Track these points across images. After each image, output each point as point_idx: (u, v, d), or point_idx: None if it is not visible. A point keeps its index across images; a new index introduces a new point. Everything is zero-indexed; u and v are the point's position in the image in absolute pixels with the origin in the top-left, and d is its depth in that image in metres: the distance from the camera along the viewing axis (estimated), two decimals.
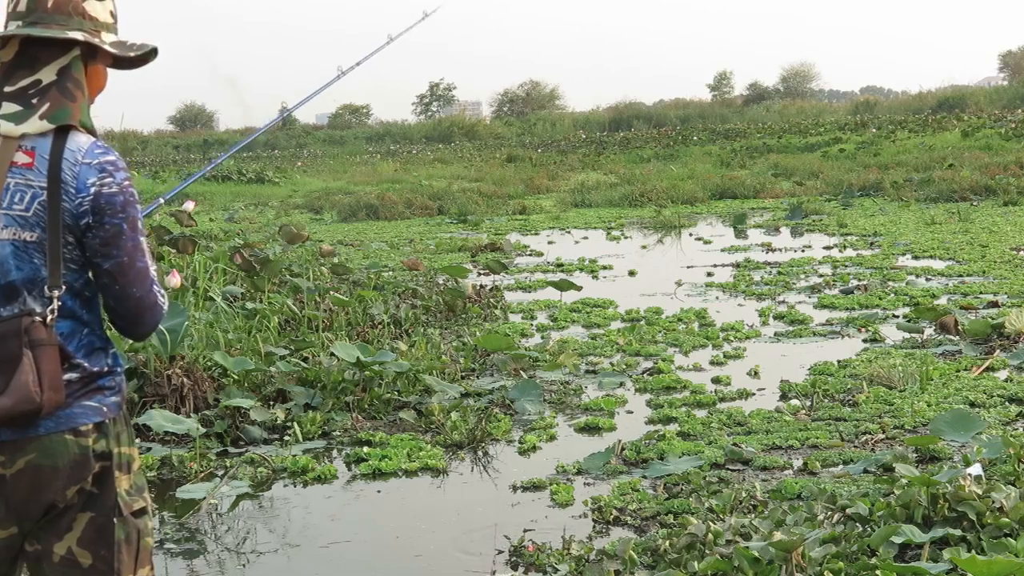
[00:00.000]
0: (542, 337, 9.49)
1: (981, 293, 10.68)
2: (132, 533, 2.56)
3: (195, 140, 61.56)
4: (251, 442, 6.59)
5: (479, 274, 13.28)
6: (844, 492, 4.94)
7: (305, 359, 7.87)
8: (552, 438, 6.59)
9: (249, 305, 9.17)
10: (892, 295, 10.80)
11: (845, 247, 15.15)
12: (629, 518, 5.12)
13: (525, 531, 4.98)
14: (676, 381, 7.70)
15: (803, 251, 15.03)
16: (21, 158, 2.47)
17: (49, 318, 2.44)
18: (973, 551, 3.86)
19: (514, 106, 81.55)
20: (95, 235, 2.47)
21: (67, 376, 2.47)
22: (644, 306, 10.74)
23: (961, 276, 11.92)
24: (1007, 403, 6.75)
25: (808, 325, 9.60)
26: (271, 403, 7.15)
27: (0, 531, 2.49)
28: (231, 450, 6.47)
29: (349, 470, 6.14)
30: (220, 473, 6.06)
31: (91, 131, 2.54)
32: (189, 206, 12.00)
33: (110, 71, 2.70)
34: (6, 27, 2.54)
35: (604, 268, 14.10)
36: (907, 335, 8.87)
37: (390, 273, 12.98)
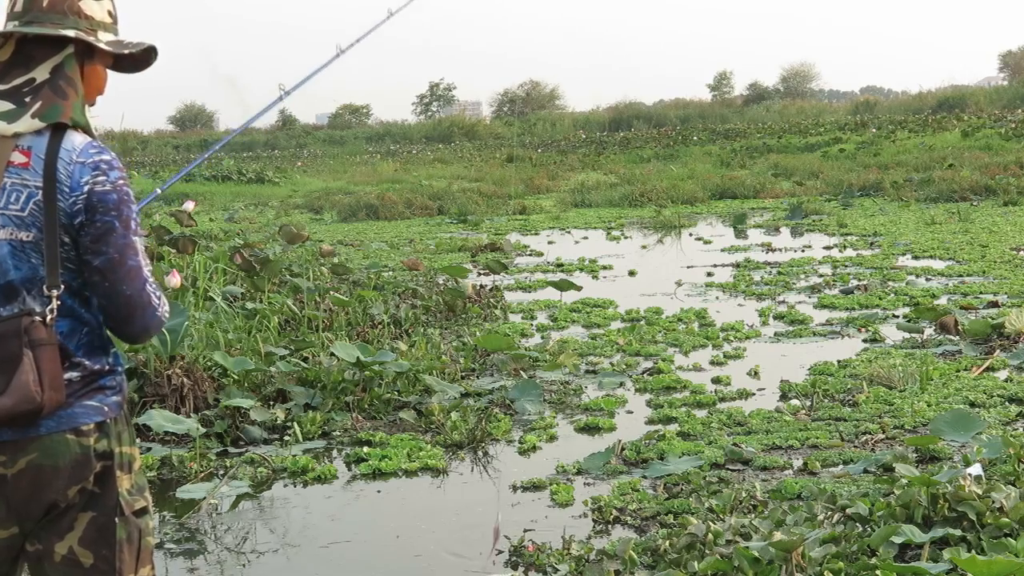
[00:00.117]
0: (542, 337, 9.49)
1: (981, 293, 10.69)
2: (133, 532, 2.56)
3: (195, 140, 61.54)
4: (251, 442, 6.59)
5: (479, 274, 13.28)
6: (844, 492, 4.94)
7: (305, 359, 7.87)
8: (552, 438, 6.59)
9: (249, 305, 9.18)
10: (892, 295, 10.81)
11: (845, 247, 15.16)
12: (629, 518, 5.12)
13: (525, 531, 4.98)
14: (676, 381, 7.70)
15: (803, 251, 15.03)
16: (17, 158, 2.47)
17: (48, 318, 2.44)
18: (973, 551, 3.87)
19: (514, 106, 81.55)
20: (87, 232, 2.47)
21: (68, 375, 2.48)
22: (644, 306, 10.74)
23: (961, 276, 11.92)
24: (1007, 403, 6.75)
25: (808, 325, 9.60)
26: (271, 403, 7.15)
27: (1, 531, 2.49)
28: (231, 450, 6.47)
29: (349, 470, 6.14)
30: (220, 473, 6.06)
31: (86, 130, 2.54)
32: (189, 206, 12.01)
33: (114, 74, 2.70)
34: (4, 27, 2.54)
35: (604, 268, 14.10)
36: (907, 335, 8.87)
37: (390, 273, 12.98)
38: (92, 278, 2.50)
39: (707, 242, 16.65)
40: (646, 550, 4.48)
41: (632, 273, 13.56)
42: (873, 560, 3.87)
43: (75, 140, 2.50)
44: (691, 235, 17.90)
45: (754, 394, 7.42)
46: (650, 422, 6.84)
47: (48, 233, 2.44)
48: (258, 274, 10.20)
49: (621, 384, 7.77)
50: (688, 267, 13.86)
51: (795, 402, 7.03)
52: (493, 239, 17.20)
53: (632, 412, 7.14)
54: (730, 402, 7.24)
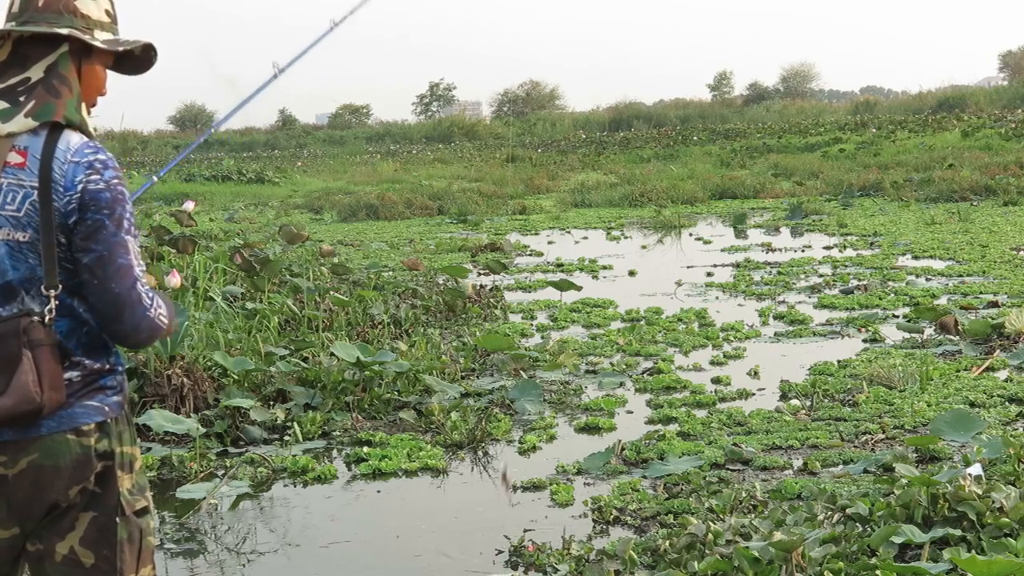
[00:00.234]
0: (542, 337, 9.49)
1: (981, 293, 10.68)
2: (134, 532, 2.56)
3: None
4: (251, 442, 6.59)
5: (479, 274, 13.28)
6: (844, 492, 4.94)
7: (305, 359, 7.87)
8: (552, 438, 6.59)
9: (249, 305, 9.18)
10: (892, 295, 10.80)
11: (845, 247, 15.15)
12: (629, 518, 5.12)
13: (525, 531, 4.98)
14: (676, 381, 7.70)
15: (803, 251, 15.03)
16: (14, 158, 2.47)
17: (47, 318, 2.44)
18: (973, 551, 3.87)
19: (514, 106, 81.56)
20: (79, 230, 2.46)
21: (68, 375, 2.48)
22: (644, 306, 10.74)
23: (961, 276, 11.92)
24: (1007, 403, 6.75)
25: (808, 325, 9.60)
26: (271, 403, 7.15)
27: (2, 531, 2.49)
28: (231, 450, 6.47)
29: (349, 470, 6.14)
30: (220, 473, 6.06)
31: (81, 129, 2.53)
32: (189, 206, 12.02)
33: (114, 74, 2.70)
34: (1, 28, 2.55)
35: (604, 268, 14.10)
36: (907, 335, 8.87)
37: (390, 273, 12.98)
38: (83, 276, 2.48)
39: (707, 242, 16.65)
40: (646, 550, 4.48)
41: (632, 273, 13.56)
42: (873, 560, 3.87)
43: (71, 140, 2.50)
44: (691, 235, 17.90)
45: (754, 394, 7.42)
46: (650, 422, 6.84)
47: (44, 233, 2.44)
48: (258, 274, 10.20)
49: (621, 384, 7.77)
50: (688, 267, 13.86)
51: (795, 402, 7.03)
52: (493, 239, 17.20)
53: (632, 412, 7.14)
54: (730, 402, 7.24)
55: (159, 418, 6.42)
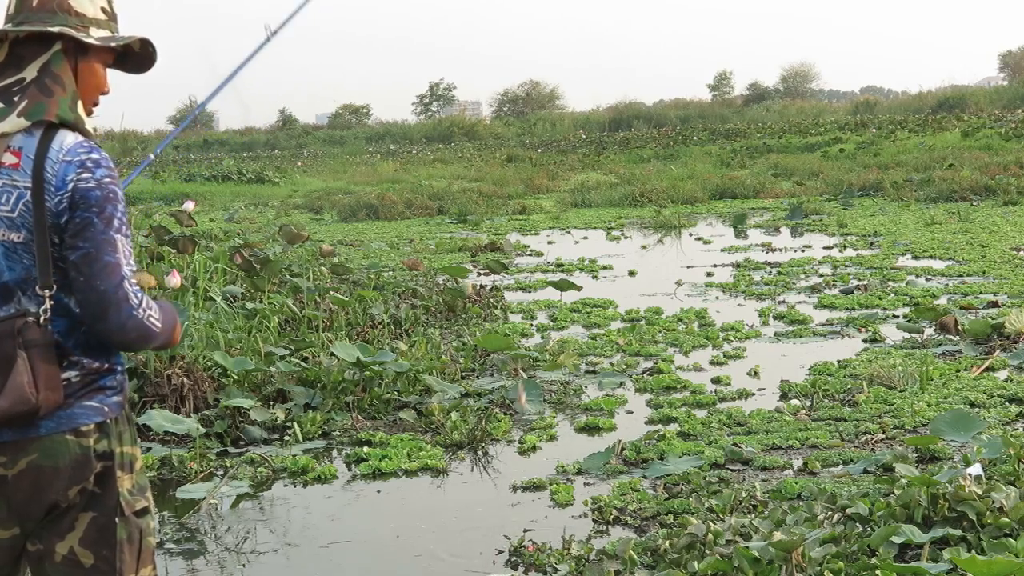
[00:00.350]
0: (542, 337, 9.49)
1: (981, 293, 10.68)
2: (134, 533, 2.56)
3: (195, 140, 61.59)
4: (251, 442, 6.59)
5: (479, 274, 13.28)
6: (844, 492, 4.94)
7: (305, 359, 7.87)
8: (552, 438, 6.59)
9: (249, 305, 9.18)
10: (892, 295, 10.80)
11: (845, 247, 15.15)
12: (629, 518, 5.12)
13: (525, 531, 4.98)
14: (676, 381, 7.70)
15: (803, 251, 15.03)
16: (8, 158, 2.47)
17: (43, 318, 2.44)
18: (973, 551, 3.87)
19: (514, 106, 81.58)
20: (68, 229, 2.45)
21: (66, 374, 2.48)
22: (644, 306, 10.74)
23: (961, 276, 11.92)
24: (1007, 403, 6.75)
25: (808, 325, 9.60)
26: (271, 403, 7.15)
27: (3, 531, 2.50)
28: (231, 450, 6.47)
29: (349, 470, 6.14)
30: (220, 473, 6.06)
31: (77, 127, 2.52)
32: (189, 206, 12.02)
33: (115, 74, 2.69)
34: None
35: (604, 268, 14.10)
36: (907, 335, 8.87)
37: (390, 273, 12.98)
38: (71, 274, 2.47)
39: (707, 242, 16.65)
40: (646, 550, 4.48)
41: (632, 273, 13.56)
42: (873, 560, 3.87)
43: (65, 140, 2.49)
44: (691, 235, 17.90)
45: (754, 394, 7.42)
46: (650, 422, 6.84)
47: (38, 234, 2.44)
48: (258, 274, 10.20)
49: (621, 384, 7.77)
50: (688, 267, 13.86)
51: (795, 402, 7.03)
52: (493, 239, 17.20)
53: (632, 412, 7.14)
54: (730, 402, 7.23)
55: (159, 418, 6.42)
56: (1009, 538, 3.96)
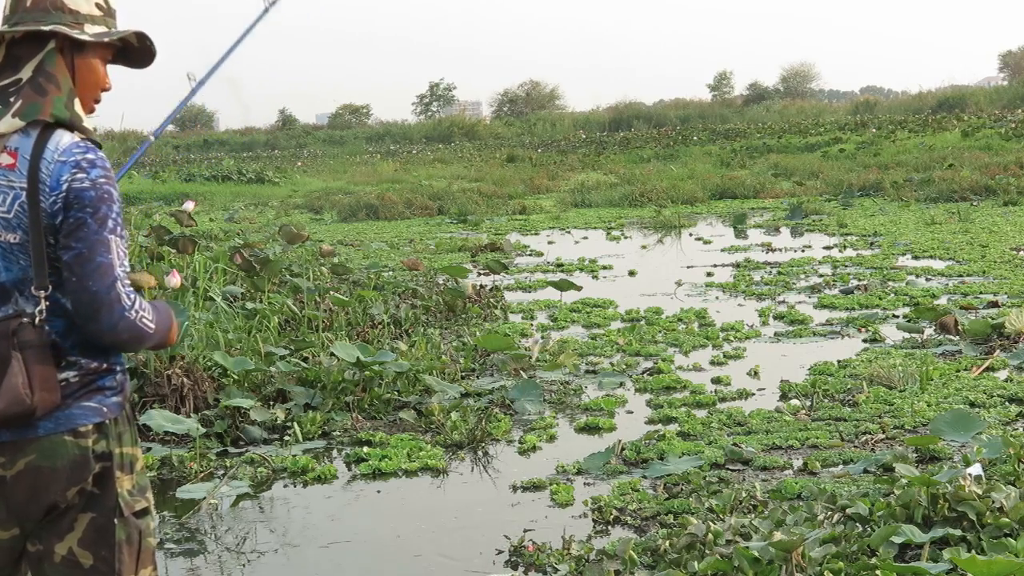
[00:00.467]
0: (542, 337, 9.49)
1: (981, 293, 10.68)
2: (133, 533, 2.55)
3: (195, 140, 61.59)
4: (251, 442, 6.59)
5: (479, 274, 13.28)
6: (844, 492, 4.94)
7: (305, 359, 7.87)
8: (552, 438, 6.59)
9: (249, 305, 9.17)
10: (892, 295, 10.80)
11: (845, 247, 15.15)
12: (629, 518, 5.12)
13: (525, 531, 4.98)
14: (676, 381, 7.70)
15: (803, 251, 15.03)
16: (4, 159, 2.47)
17: (38, 319, 2.43)
18: (973, 551, 3.87)
19: (514, 106, 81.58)
20: (62, 229, 2.44)
21: (64, 375, 2.47)
22: (644, 306, 10.73)
23: (961, 276, 11.91)
24: (1007, 403, 6.75)
25: (808, 325, 9.60)
26: (271, 403, 7.15)
27: (2, 532, 2.50)
28: (231, 450, 6.47)
29: (349, 470, 6.14)
30: (220, 473, 6.06)
31: (70, 125, 2.51)
32: (189, 206, 12.02)
33: (115, 74, 2.69)
34: None
35: (604, 268, 14.10)
36: (907, 335, 8.87)
37: (390, 273, 12.98)
38: (63, 275, 2.46)
39: (707, 242, 16.64)
40: (646, 550, 4.48)
41: (632, 273, 13.56)
42: (873, 560, 3.87)
43: (61, 140, 2.48)
44: (691, 235, 17.90)
45: (754, 394, 7.42)
46: (650, 422, 6.84)
47: (34, 234, 2.44)
48: (258, 274, 10.19)
49: (621, 384, 7.77)
50: (688, 267, 13.86)
51: (795, 402, 7.03)
52: (493, 239, 17.19)
53: (632, 412, 7.13)
54: (730, 402, 7.23)
55: (159, 418, 6.42)
56: (1009, 538, 3.96)
